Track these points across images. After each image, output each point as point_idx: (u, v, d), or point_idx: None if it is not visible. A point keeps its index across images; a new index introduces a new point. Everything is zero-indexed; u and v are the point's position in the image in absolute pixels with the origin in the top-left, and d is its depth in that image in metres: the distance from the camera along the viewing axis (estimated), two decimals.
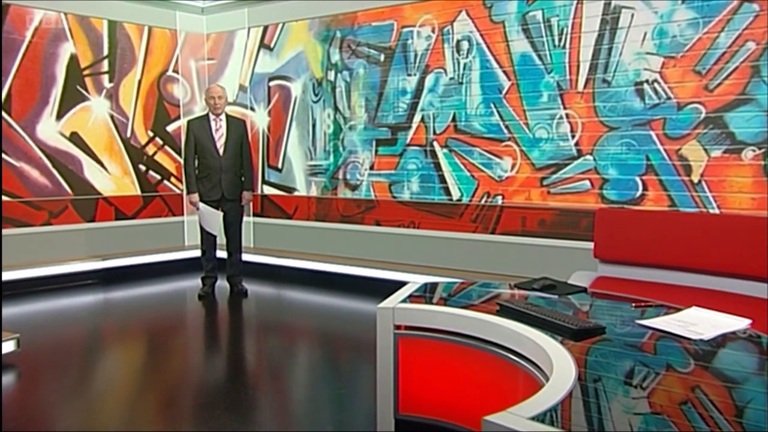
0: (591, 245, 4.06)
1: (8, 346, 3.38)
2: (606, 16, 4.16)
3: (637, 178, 4.12)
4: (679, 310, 2.27)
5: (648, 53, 4.01)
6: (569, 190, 4.40)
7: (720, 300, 2.94)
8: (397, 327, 2.37)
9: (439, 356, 2.28)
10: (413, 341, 2.34)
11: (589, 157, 4.30)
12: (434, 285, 2.78)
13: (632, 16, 4.06)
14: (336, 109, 5.55)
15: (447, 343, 2.26)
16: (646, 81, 4.03)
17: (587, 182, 4.32)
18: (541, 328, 2.01)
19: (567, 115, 4.37)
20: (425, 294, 2.61)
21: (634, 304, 2.35)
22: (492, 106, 4.69)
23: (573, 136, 4.36)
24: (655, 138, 4.04)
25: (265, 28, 5.94)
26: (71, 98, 5.48)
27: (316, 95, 5.67)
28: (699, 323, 2.10)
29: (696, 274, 3.46)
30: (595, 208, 4.21)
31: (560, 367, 1.62)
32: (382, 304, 2.38)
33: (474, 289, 2.74)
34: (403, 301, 2.43)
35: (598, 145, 4.25)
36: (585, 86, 4.28)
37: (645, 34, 4.01)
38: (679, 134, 3.95)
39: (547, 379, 1.78)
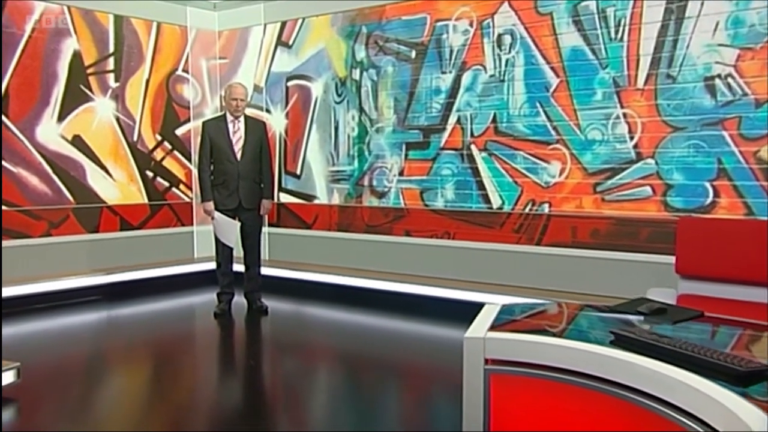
0: (656, 258, 3.73)
1: (7, 377, 2.91)
2: (671, 5, 3.77)
3: (707, 184, 3.73)
4: None
5: (720, 45, 3.63)
6: (627, 197, 3.99)
7: None
8: (486, 361, 1.95)
9: (544, 398, 1.86)
10: (508, 378, 1.92)
11: (650, 160, 3.90)
12: (517, 307, 2.36)
13: (702, 4, 3.67)
14: (361, 110, 5.13)
15: (552, 382, 1.84)
16: (718, 75, 3.64)
17: (648, 188, 3.92)
18: (684, 367, 1.59)
19: (624, 115, 3.97)
20: (515, 319, 2.19)
21: None
22: (538, 105, 4.29)
23: (631, 138, 3.96)
24: (728, 139, 3.64)
25: (283, 25, 5.53)
26: (74, 99, 5.04)
27: (339, 95, 5.26)
28: None
29: None
30: (657, 217, 3.83)
31: None
32: (470, 334, 1.96)
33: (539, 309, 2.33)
34: (491, 328, 2.01)
35: (661, 148, 3.86)
36: (646, 82, 3.88)
37: (717, 23, 3.63)
38: (758, 134, 3.55)
39: None
